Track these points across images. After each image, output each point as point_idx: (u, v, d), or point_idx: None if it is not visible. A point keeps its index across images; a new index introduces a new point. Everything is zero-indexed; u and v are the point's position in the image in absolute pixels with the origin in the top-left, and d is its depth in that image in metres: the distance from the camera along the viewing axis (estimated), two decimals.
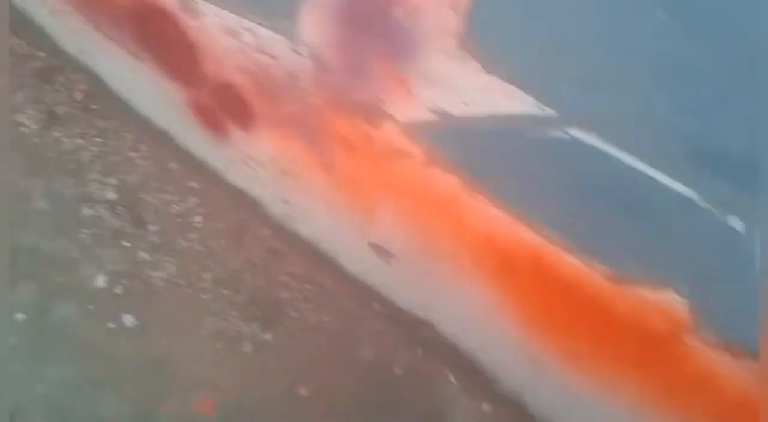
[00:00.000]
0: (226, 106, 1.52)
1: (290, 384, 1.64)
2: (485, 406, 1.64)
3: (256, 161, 1.60)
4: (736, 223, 0.77)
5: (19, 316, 1.68)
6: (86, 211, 1.87)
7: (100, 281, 1.76)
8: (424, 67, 1.01)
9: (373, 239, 1.46)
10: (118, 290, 1.75)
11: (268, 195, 1.68)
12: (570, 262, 1.03)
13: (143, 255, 1.82)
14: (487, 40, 0.91)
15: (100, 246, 1.81)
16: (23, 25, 2.09)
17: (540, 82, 0.89)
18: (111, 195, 1.91)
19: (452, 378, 1.64)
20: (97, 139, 2.01)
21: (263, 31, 1.23)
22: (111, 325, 1.69)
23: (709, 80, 0.69)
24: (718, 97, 0.70)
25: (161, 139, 1.90)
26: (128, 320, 1.70)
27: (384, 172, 1.24)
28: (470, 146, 1.03)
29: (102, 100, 2.05)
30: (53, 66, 2.14)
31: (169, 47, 1.49)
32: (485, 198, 1.10)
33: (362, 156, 1.26)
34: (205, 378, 1.62)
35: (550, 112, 0.90)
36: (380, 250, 1.47)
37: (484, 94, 0.96)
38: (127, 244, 1.83)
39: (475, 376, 1.50)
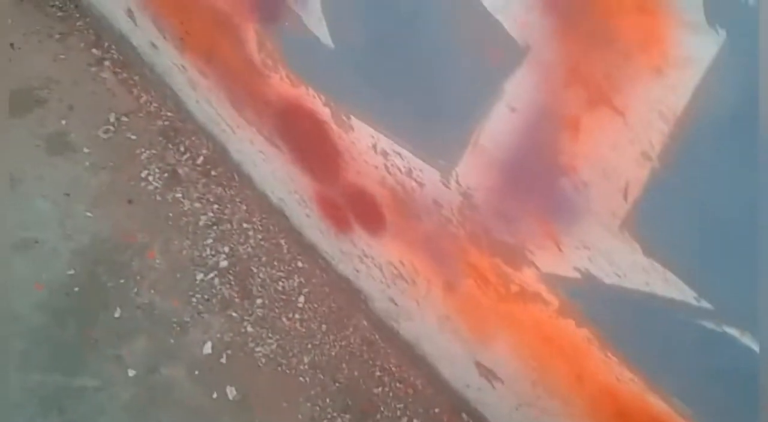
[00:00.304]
0: (356, 209, 1.59)
1: None
2: None
3: (372, 260, 1.66)
4: None
5: (131, 372, 1.76)
6: (199, 275, 1.96)
7: (207, 348, 1.83)
8: (580, 233, 1.06)
9: (480, 359, 1.50)
10: (223, 360, 1.82)
11: (376, 291, 1.74)
12: None
13: (248, 327, 1.89)
14: (652, 230, 0.95)
15: (209, 313, 1.90)
16: (154, 84, 2.22)
17: (701, 277, 0.93)
18: (223, 263, 2.00)
19: None
20: (215, 205, 2.10)
21: (414, 159, 1.30)
22: (215, 395, 1.75)
23: None
24: None
25: (275, 215, 1.99)
26: (231, 392, 1.76)
27: (513, 308, 1.28)
28: (618, 312, 1.07)
29: (222, 168, 2.15)
30: (178, 128, 2.26)
31: (312, 147, 1.57)
32: (619, 359, 1.13)
33: (493, 289, 1.30)
34: None
35: (705, 304, 0.93)
36: (486, 371, 1.51)
37: (640, 274, 0.99)
38: (234, 315, 1.91)
39: None
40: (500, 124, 1.07)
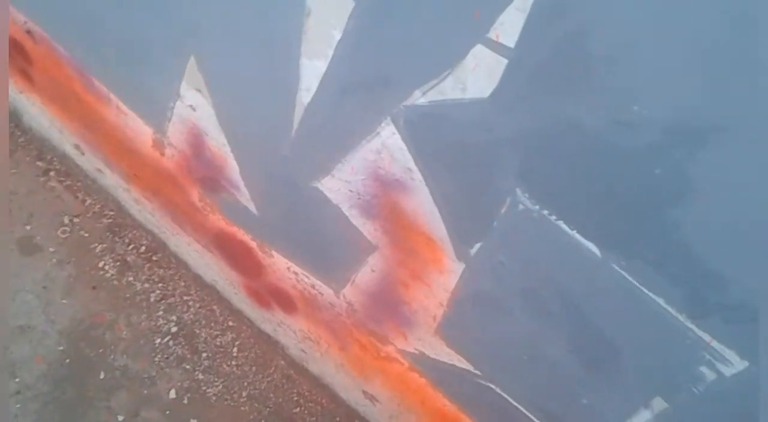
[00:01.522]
0: (275, 298, 2.42)
1: None
2: None
3: (287, 326, 2.50)
4: None
5: (120, 418, 2.52)
6: (157, 340, 2.72)
7: (172, 394, 2.61)
8: (416, 333, 1.95)
9: (365, 389, 2.39)
10: (185, 401, 2.61)
11: (290, 344, 2.58)
12: None
13: (200, 375, 2.68)
14: (450, 336, 1.85)
15: (169, 368, 2.67)
16: (96, 191, 2.92)
17: (479, 361, 1.84)
18: (173, 328, 2.77)
19: None
20: (160, 284, 2.86)
21: (316, 280, 2.14)
22: None
23: None
24: None
25: (207, 288, 2.78)
26: None
27: (383, 364, 2.17)
28: (439, 371, 1.97)
29: (161, 254, 2.90)
30: (120, 223, 2.97)
31: (242, 259, 2.37)
32: (442, 394, 2.05)
33: (370, 353, 2.19)
34: None
35: (478, 372, 1.86)
36: (370, 396, 2.40)
37: (447, 356, 1.90)
38: (188, 367, 2.69)
39: None
40: (367, 276, 1.93)
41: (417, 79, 1.34)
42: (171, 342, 2.72)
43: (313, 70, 1.51)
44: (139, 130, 2.19)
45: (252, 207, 2.07)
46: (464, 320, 1.73)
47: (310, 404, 2.67)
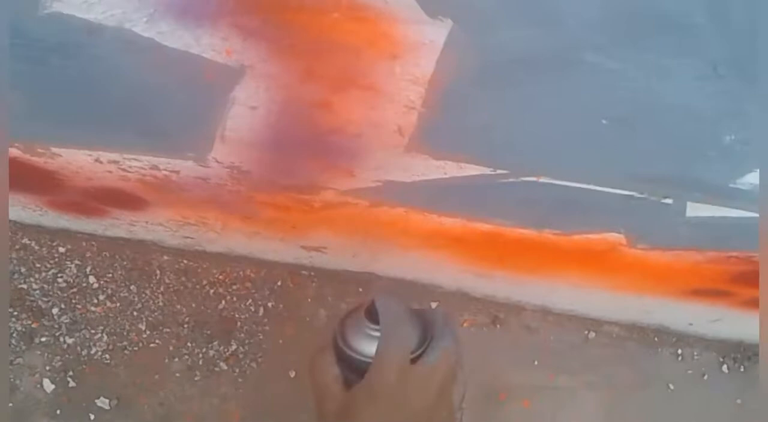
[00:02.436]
0: (101, 200, 1.47)
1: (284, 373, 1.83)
2: None
3: (146, 222, 1.60)
4: None
5: None
6: None
7: (48, 384, 1.75)
8: (367, 163, 1.12)
9: (304, 244, 1.60)
10: (72, 383, 1.77)
11: (164, 237, 1.70)
12: None
13: (67, 339, 1.80)
14: (434, 145, 1.04)
15: (21, 355, 1.77)
16: None
17: (492, 158, 1.06)
18: None
19: None
20: None
21: (156, 159, 1.22)
22: (92, 417, 1.74)
23: None
24: None
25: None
26: (104, 404, 1.75)
27: (323, 215, 1.35)
28: (426, 192, 1.19)
29: None
30: None
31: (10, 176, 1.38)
32: (437, 214, 1.29)
33: (295, 210, 1.36)
34: (207, 411, 1.77)
35: (501, 171, 1.08)
36: (313, 248, 1.62)
37: (436, 171, 1.10)
38: (44, 339, 1.80)
39: None
40: (243, 119, 1.02)
41: None
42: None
43: None
44: None
45: None
46: (463, 111, 0.91)
47: (233, 287, 1.87)
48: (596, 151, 0.95)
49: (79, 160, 1.24)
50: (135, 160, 1.22)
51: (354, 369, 0.66)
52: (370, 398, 0.61)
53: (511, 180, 1.08)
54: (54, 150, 1.22)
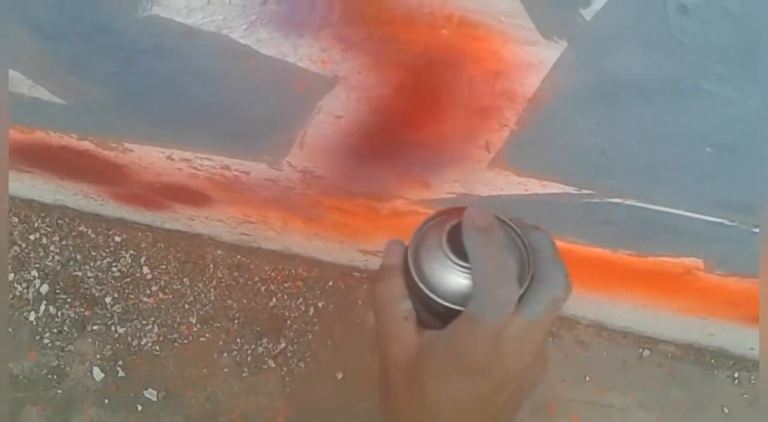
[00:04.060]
0: (165, 195, 1.47)
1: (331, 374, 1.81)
2: None
3: (206, 218, 1.59)
4: None
5: None
6: (32, 316, 1.78)
7: (98, 373, 1.76)
8: (446, 176, 1.09)
9: (363, 248, 1.58)
10: (121, 373, 1.77)
11: (222, 232, 1.69)
12: None
13: (118, 329, 1.81)
14: (520, 162, 1.01)
15: (72, 342, 1.77)
16: None
17: (577, 179, 1.02)
18: (43, 287, 1.81)
19: None
20: None
21: (229, 159, 1.20)
22: (139, 408, 1.74)
23: None
24: None
25: (55, 211, 1.79)
26: (152, 395, 1.75)
27: (388, 222, 1.33)
28: (500, 206, 1.16)
29: None
30: None
31: (78, 167, 1.38)
32: None
33: (361, 216, 1.33)
34: (253, 408, 1.76)
35: (586, 191, 1.05)
36: (371, 253, 1.60)
37: (517, 187, 1.07)
38: (96, 327, 1.80)
39: None
40: (327, 127, 1.00)
41: None
42: (52, 308, 1.78)
43: None
44: None
45: (49, 96, 1.03)
46: (558, 131, 0.88)
47: (285, 285, 1.86)
48: (693, 177, 0.91)
49: (151, 156, 1.23)
50: (207, 159, 1.21)
51: (431, 311, 0.50)
52: (454, 366, 0.47)
53: (595, 200, 1.04)
54: (127, 145, 1.21)
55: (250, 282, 1.87)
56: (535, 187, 1.05)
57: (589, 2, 0.64)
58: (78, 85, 0.98)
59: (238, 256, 1.87)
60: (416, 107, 0.90)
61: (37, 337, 1.75)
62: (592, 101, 0.81)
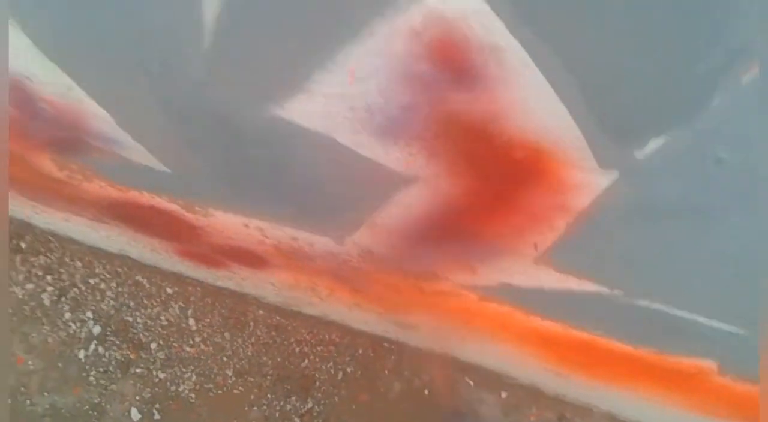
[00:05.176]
0: (228, 256, 1.62)
1: None
2: None
3: (257, 279, 1.73)
4: None
5: None
6: (81, 354, 1.91)
7: (135, 414, 1.87)
8: (494, 266, 1.24)
9: (398, 321, 1.71)
10: (157, 416, 1.88)
11: (268, 294, 1.83)
12: None
13: (159, 374, 1.93)
14: (561, 261, 1.15)
15: (115, 382, 1.89)
16: None
17: (611, 279, 1.17)
18: (95, 328, 1.94)
19: None
20: (48, 277, 1.97)
21: (299, 232, 1.35)
22: None
23: None
24: None
25: (117, 259, 1.93)
26: None
27: (430, 299, 1.47)
28: (536, 297, 1.30)
29: (30, 237, 1.98)
30: None
31: (159, 225, 1.53)
32: (538, 316, 1.39)
33: (406, 293, 1.48)
34: None
35: (617, 291, 1.19)
36: (405, 326, 1.73)
37: (556, 282, 1.22)
38: (139, 370, 1.92)
39: None
40: (397, 215, 1.15)
41: None
42: (101, 348, 1.91)
43: None
44: None
45: (155, 164, 1.19)
46: (600, 240, 1.03)
47: (318, 348, 1.98)
48: (717, 291, 1.05)
49: (228, 222, 1.39)
50: (279, 229, 1.36)
51: None
52: None
53: (624, 300, 1.18)
54: (211, 210, 1.37)
55: (285, 343, 2.00)
56: (572, 283, 1.20)
57: (643, 145, 0.80)
58: (189, 159, 1.15)
59: (278, 317, 2.00)
60: (480, 207, 1.06)
61: (84, 374, 1.88)
62: (632, 219, 0.96)
